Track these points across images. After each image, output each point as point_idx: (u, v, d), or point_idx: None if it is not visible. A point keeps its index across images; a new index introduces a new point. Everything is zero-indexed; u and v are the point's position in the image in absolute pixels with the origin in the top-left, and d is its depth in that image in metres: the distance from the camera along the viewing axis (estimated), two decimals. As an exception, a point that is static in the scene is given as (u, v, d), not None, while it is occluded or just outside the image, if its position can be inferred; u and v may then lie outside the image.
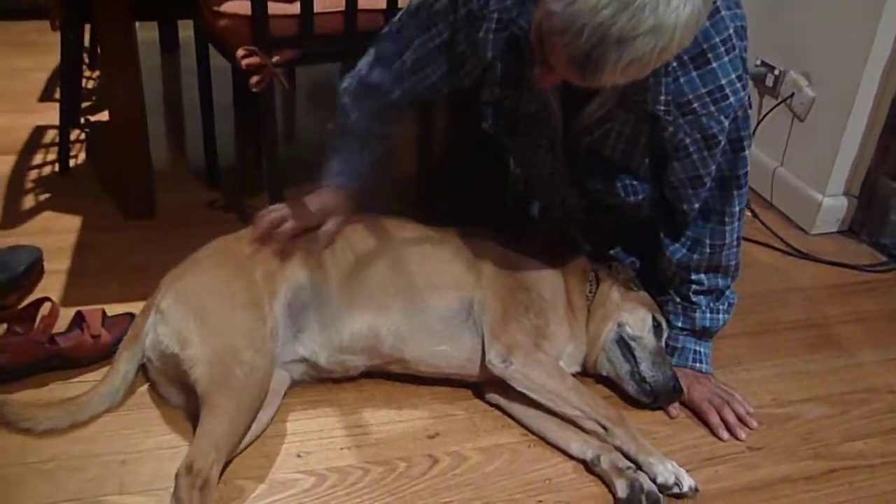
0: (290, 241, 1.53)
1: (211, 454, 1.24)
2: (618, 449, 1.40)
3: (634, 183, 1.55)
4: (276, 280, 1.48)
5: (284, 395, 1.48)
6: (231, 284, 1.44)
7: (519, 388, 1.45)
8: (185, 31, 3.15)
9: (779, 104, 2.33)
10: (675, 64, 1.32)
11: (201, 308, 1.39)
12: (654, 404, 1.54)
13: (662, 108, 1.37)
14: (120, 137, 1.96)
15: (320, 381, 1.54)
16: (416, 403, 1.54)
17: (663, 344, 1.59)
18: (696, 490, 1.35)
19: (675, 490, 1.34)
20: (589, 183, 1.60)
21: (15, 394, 1.46)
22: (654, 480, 1.34)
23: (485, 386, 1.55)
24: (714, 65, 1.33)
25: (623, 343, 1.55)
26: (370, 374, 1.57)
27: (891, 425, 1.58)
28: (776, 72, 2.33)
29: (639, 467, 1.37)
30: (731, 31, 1.32)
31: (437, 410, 1.53)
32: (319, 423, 1.47)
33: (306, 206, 1.56)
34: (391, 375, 1.57)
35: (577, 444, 1.42)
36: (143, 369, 1.49)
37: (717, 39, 1.31)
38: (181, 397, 1.43)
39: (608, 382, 1.61)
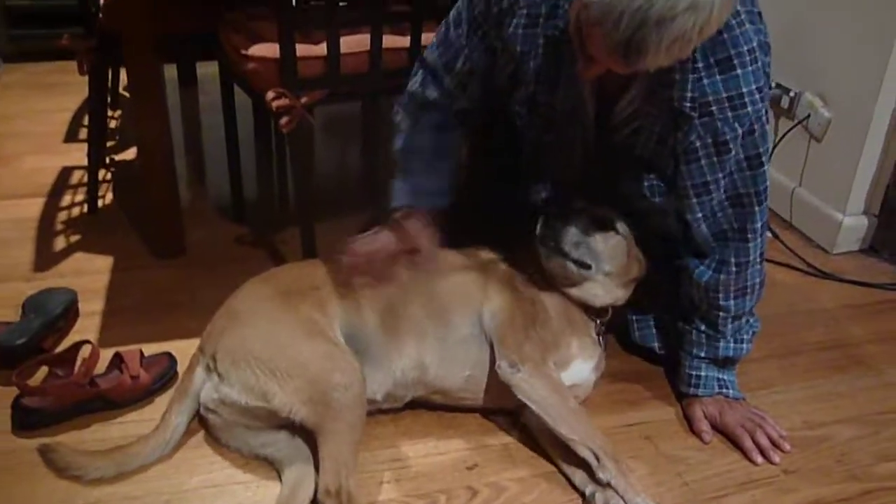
0: (387, 267, 1.55)
1: (342, 471, 1.31)
2: (607, 484, 1.38)
3: (661, 184, 1.55)
4: (325, 314, 1.51)
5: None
6: (282, 324, 1.46)
7: (521, 397, 1.45)
8: (203, 67, 3.22)
9: (795, 125, 2.35)
10: (701, 64, 1.36)
11: (263, 358, 1.40)
12: (546, 245, 1.55)
13: (688, 104, 1.39)
14: (149, 177, 2.00)
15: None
16: (452, 435, 1.55)
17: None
18: None
19: None
20: (621, 183, 1.61)
21: (58, 436, 1.49)
22: None
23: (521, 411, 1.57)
24: (738, 72, 1.36)
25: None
26: (408, 406, 1.59)
27: (925, 444, 1.60)
28: (791, 94, 2.36)
29: None
30: (756, 44, 1.36)
31: (473, 441, 1.54)
32: (359, 457, 1.48)
33: (392, 232, 1.57)
34: (427, 406, 1.59)
35: (580, 477, 1.44)
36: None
37: (745, 48, 1.35)
38: (246, 441, 1.46)
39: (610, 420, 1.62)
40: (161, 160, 1.95)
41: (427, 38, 1.82)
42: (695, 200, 1.49)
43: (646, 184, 1.55)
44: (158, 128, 1.90)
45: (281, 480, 1.41)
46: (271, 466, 1.44)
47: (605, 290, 1.60)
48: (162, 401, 1.57)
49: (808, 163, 2.35)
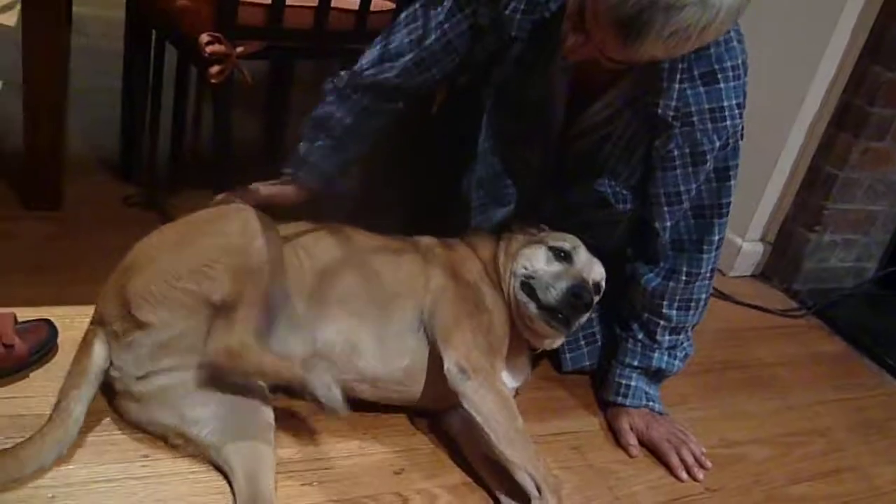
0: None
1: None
2: None
3: (625, 192, 1.52)
4: None
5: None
6: (187, 235, 1.34)
7: (467, 407, 1.32)
8: (79, 6, 2.89)
9: (705, 148, 2.40)
10: (686, 75, 1.35)
11: (182, 269, 1.25)
12: (569, 324, 1.45)
13: (672, 113, 1.37)
14: (33, 115, 1.72)
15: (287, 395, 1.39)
16: (377, 435, 1.43)
17: (577, 265, 1.49)
18: None
19: None
20: (576, 189, 1.56)
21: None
22: None
23: (443, 415, 1.47)
24: (721, 85, 1.36)
25: (526, 286, 1.47)
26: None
27: (829, 468, 1.65)
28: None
29: None
30: (740, 61, 1.37)
31: (400, 444, 1.42)
32: (278, 454, 1.32)
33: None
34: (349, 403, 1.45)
35: (505, 499, 1.33)
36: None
37: (729, 64, 1.35)
38: (179, 412, 1.26)
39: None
40: (51, 98, 1.68)
41: (376, 3, 1.69)
42: (665, 209, 1.47)
43: (609, 190, 1.51)
44: (54, 61, 1.64)
45: (225, 473, 1.23)
46: (176, 458, 1.25)
47: (559, 341, 1.56)
48: (38, 376, 1.35)
49: (714, 186, 2.41)
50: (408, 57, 1.50)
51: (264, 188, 1.53)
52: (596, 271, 1.51)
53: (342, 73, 1.56)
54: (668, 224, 1.50)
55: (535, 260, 1.48)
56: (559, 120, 1.51)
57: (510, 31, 1.43)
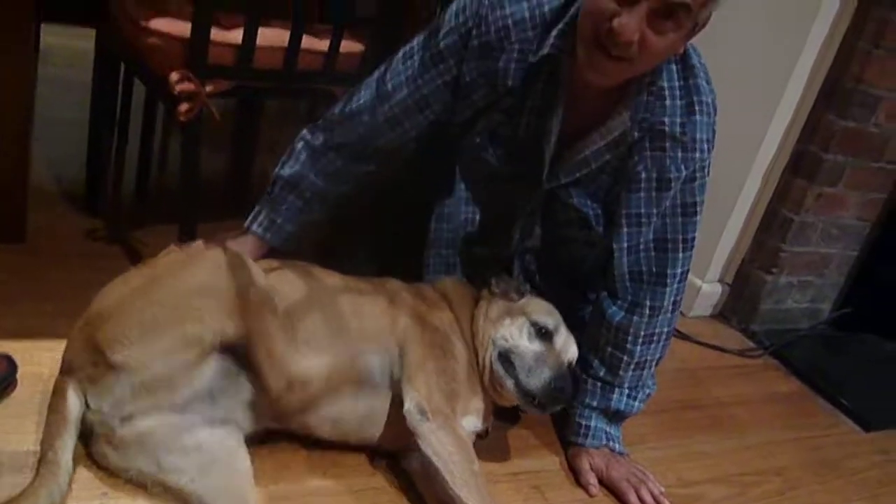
0: None
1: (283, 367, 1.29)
2: None
3: (604, 215, 1.55)
4: None
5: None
6: (162, 281, 1.29)
7: (424, 448, 1.33)
8: (47, 36, 2.87)
9: (666, 190, 2.46)
10: (675, 101, 1.41)
11: (165, 314, 1.23)
12: (544, 410, 1.48)
13: (668, 128, 1.42)
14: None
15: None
16: (337, 475, 1.42)
17: (556, 345, 1.50)
18: None
19: None
20: (558, 209, 1.58)
21: None
22: None
23: (403, 455, 1.47)
24: (697, 118, 1.42)
25: (504, 358, 1.48)
26: (286, 440, 1.44)
27: (785, 508, 1.68)
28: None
29: None
30: (711, 100, 1.43)
31: (359, 483, 1.42)
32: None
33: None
34: (307, 443, 1.45)
35: None
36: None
37: (705, 99, 1.42)
38: (155, 458, 1.23)
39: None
40: (16, 127, 1.67)
41: (345, 46, 1.72)
42: (625, 230, 1.51)
43: (591, 213, 1.55)
44: (21, 90, 1.64)
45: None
46: (136, 497, 1.23)
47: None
48: (-4, 411, 1.32)
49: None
50: (377, 111, 1.52)
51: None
52: (572, 351, 1.52)
53: (314, 128, 1.57)
54: (625, 246, 1.52)
55: (517, 334, 1.48)
56: (550, 158, 1.53)
57: (506, 82, 1.45)
